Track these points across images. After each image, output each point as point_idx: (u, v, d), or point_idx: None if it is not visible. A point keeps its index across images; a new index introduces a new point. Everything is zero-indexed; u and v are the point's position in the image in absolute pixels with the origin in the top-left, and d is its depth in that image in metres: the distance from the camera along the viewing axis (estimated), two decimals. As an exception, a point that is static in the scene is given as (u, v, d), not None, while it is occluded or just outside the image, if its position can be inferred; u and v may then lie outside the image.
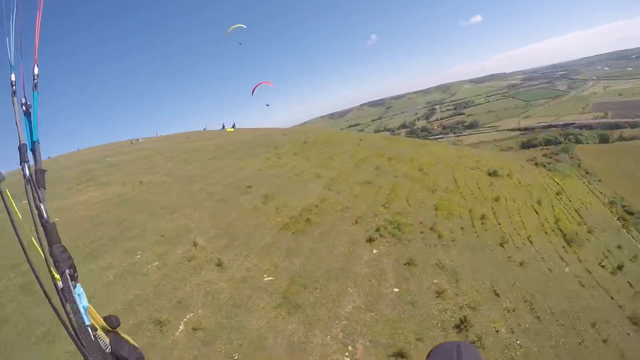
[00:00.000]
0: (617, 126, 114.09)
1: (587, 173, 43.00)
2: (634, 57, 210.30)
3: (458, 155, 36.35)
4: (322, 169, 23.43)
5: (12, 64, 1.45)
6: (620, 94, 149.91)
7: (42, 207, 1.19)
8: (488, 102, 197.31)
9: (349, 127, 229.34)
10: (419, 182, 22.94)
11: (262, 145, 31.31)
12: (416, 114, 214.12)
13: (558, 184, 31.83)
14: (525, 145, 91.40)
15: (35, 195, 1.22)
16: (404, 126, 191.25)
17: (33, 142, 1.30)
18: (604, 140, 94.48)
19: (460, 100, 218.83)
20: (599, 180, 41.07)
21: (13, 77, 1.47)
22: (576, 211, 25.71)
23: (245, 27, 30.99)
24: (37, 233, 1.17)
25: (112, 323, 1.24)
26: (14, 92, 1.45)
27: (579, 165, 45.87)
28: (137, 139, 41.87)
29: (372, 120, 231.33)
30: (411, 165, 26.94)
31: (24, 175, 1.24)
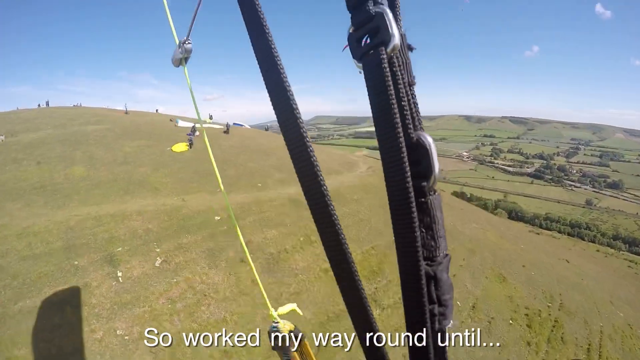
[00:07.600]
0: None
1: None
2: None
3: None
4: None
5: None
6: None
7: None
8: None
9: (483, 136, 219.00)
10: None
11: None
12: (557, 147, 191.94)
13: None
14: None
15: None
16: (540, 156, 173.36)
17: None
18: None
19: (609, 148, 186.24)
20: None
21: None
22: None
23: None
24: None
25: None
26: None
27: None
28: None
29: (509, 138, 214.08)
30: None
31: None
